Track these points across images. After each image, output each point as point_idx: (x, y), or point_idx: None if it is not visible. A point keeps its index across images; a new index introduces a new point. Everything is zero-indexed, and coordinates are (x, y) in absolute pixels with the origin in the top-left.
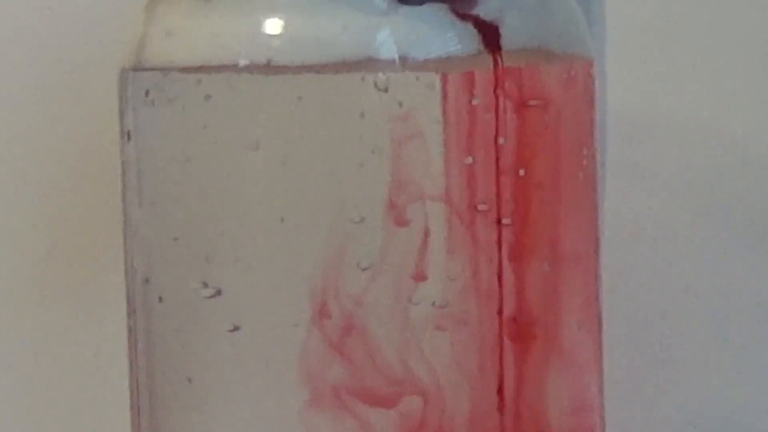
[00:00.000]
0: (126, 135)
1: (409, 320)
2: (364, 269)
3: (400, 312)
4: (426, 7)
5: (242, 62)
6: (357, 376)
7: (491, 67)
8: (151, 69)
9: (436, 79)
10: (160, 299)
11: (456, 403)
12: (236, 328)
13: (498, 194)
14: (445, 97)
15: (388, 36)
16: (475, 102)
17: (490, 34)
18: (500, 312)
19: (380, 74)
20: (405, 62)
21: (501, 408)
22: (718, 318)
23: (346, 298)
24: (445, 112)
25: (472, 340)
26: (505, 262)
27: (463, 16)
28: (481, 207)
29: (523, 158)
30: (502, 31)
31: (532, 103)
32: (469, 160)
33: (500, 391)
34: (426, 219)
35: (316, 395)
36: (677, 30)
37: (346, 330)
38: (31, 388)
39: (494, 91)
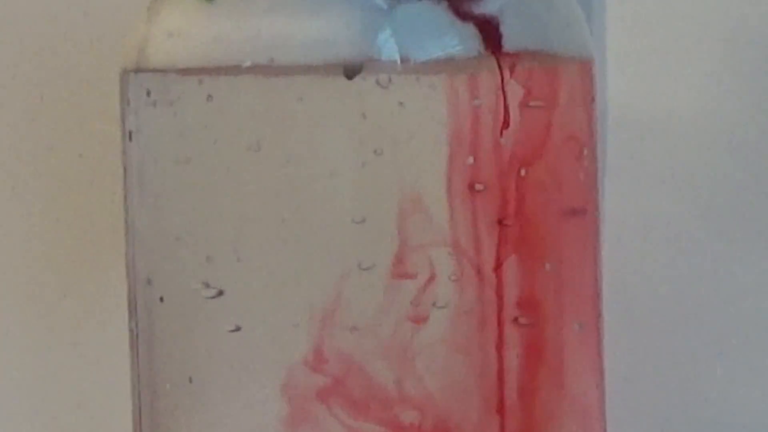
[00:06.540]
0: (127, 135)
1: (408, 322)
2: (365, 269)
3: (400, 314)
4: (427, 8)
5: (244, 63)
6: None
7: (492, 67)
8: (153, 70)
9: (438, 80)
10: (162, 299)
11: (455, 409)
12: (238, 329)
13: (499, 195)
14: (446, 97)
15: (390, 36)
16: (476, 102)
17: (491, 35)
18: (500, 312)
19: (381, 75)
20: (406, 63)
21: (501, 410)
22: (718, 318)
23: (346, 299)
24: (446, 113)
25: (472, 341)
26: (506, 263)
27: (465, 17)
28: (481, 208)
29: (525, 159)
30: (504, 31)
31: (533, 103)
32: (471, 160)
33: (500, 392)
34: (427, 221)
35: (297, 409)
36: (677, 30)
37: (346, 332)
38: (32, 388)
39: (495, 91)
